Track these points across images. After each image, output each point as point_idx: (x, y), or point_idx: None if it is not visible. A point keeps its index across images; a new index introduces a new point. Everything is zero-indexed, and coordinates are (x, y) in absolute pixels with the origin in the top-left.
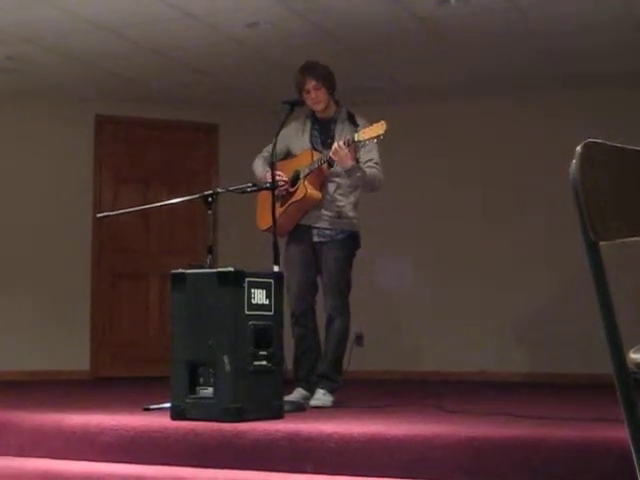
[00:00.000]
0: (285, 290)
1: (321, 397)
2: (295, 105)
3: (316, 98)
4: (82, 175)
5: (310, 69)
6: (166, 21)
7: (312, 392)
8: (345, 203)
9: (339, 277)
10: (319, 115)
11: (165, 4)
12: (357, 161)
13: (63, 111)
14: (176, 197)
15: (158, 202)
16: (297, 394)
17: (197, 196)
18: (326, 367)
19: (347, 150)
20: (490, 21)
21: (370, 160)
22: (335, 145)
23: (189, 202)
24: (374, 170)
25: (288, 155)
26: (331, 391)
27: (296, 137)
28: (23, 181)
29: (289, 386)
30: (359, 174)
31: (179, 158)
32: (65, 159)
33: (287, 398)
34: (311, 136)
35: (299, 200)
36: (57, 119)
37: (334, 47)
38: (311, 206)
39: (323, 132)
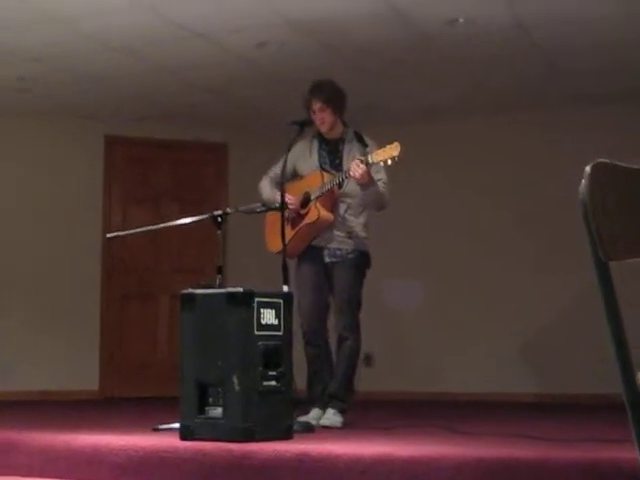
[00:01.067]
0: (297, 310)
1: (331, 417)
2: (304, 125)
3: (321, 120)
4: (92, 195)
5: (317, 90)
6: (176, 41)
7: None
8: (355, 223)
9: (350, 296)
10: (326, 136)
11: (175, 24)
12: None
13: (73, 131)
14: (186, 217)
15: (168, 222)
16: (314, 414)
17: (206, 216)
18: (337, 387)
19: (365, 167)
20: (499, 40)
21: (379, 180)
22: (356, 161)
23: (198, 222)
24: (383, 190)
25: (295, 176)
26: (341, 411)
27: (303, 158)
28: (33, 201)
29: (300, 406)
30: (373, 189)
31: (189, 178)
32: (75, 179)
33: (304, 418)
34: (319, 157)
35: (312, 222)
36: (67, 139)
37: (343, 66)
38: (323, 228)
39: (331, 153)
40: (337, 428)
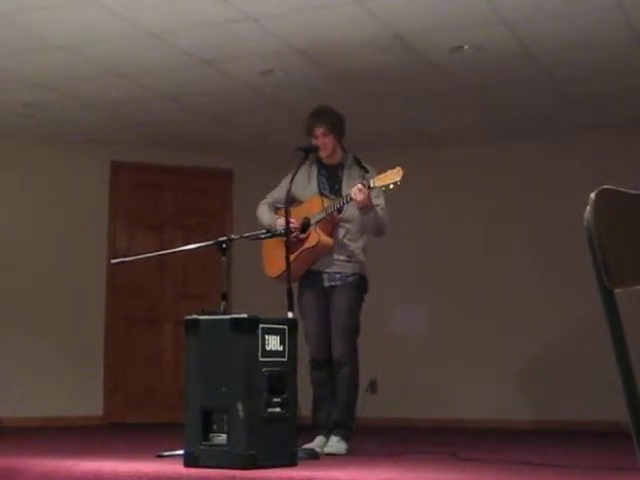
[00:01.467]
0: (304, 337)
1: (335, 444)
2: (310, 152)
3: (323, 145)
4: (97, 220)
5: (320, 115)
6: (181, 68)
7: None
8: (354, 247)
9: (348, 321)
10: (325, 161)
11: (180, 51)
12: None
13: (78, 156)
14: (191, 242)
15: (173, 247)
16: (318, 441)
17: (211, 242)
18: (339, 414)
19: (367, 191)
20: (504, 67)
21: (377, 205)
22: (358, 185)
23: (203, 248)
24: (382, 215)
25: (293, 201)
26: (345, 438)
27: (302, 183)
28: (38, 225)
29: (305, 433)
30: (372, 214)
31: (194, 204)
32: (80, 204)
33: (308, 446)
34: (319, 182)
35: (312, 247)
36: (73, 164)
37: (348, 93)
38: (323, 252)
39: (331, 178)
40: (342, 455)
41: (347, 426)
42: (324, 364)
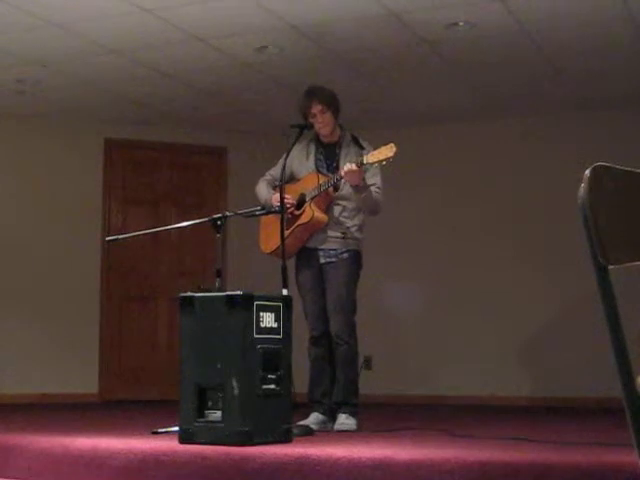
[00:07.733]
0: (303, 314)
1: (345, 421)
2: (304, 129)
3: (323, 122)
4: (91, 197)
5: (315, 93)
6: (176, 44)
7: (328, 415)
8: (350, 225)
9: (345, 297)
10: (323, 139)
11: (175, 27)
12: None
13: (72, 134)
14: (185, 220)
15: (167, 225)
16: (313, 419)
17: (206, 219)
18: (343, 392)
19: (358, 170)
20: (499, 44)
21: (373, 185)
22: (348, 165)
23: (198, 225)
24: (377, 195)
25: (291, 178)
26: (353, 414)
27: (300, 161)
28: (32, 203)
29: (299, 409)
30: (366, 194)
31: (188, 181)
32: (74, 182)
33: (303, 422)
34: (316, 160)
35: (306, 223)
36: (66, 142)
37: (342, 70)
38: (317, 229)
39: (328, 156)
40: (353, 431)
41: (353, 402)
42: (322, 340)
